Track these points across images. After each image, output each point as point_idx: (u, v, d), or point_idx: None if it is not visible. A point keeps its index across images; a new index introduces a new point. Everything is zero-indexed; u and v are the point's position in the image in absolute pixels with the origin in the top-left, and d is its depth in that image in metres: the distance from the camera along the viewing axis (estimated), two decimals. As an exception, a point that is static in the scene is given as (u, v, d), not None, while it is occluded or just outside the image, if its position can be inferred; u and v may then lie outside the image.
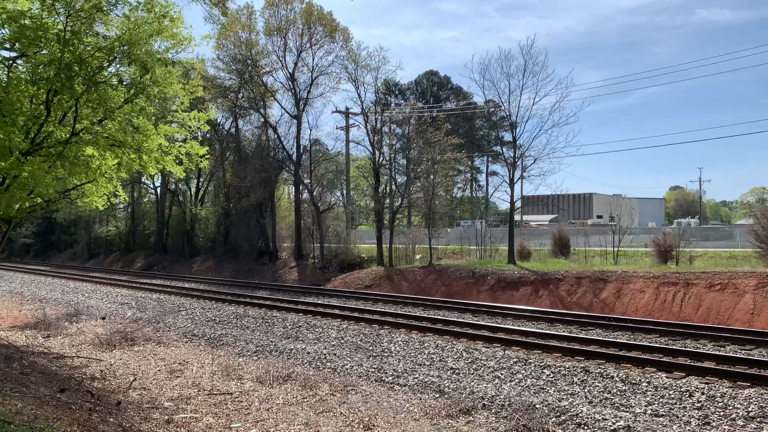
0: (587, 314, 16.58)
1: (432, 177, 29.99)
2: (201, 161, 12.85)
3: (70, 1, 9.61)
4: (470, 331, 13.42)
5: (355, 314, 16.37)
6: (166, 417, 7.92)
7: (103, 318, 17.48)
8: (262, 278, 31.30)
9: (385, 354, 11.76)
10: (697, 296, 17.46)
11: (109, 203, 13.30)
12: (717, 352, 11.09)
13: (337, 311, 17.16)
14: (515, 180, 26.23)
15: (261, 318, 16.16)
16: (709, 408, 7.91)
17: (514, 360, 10.62)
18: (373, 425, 7.73)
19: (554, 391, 9.02)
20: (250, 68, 35.02)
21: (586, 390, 8.94)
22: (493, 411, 8.31)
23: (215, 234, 42.26)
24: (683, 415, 7.75)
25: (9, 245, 53.80)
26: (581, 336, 12.83)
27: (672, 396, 8.40)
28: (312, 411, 8.35)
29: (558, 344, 11.76)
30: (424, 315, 16.39)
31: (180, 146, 12.43)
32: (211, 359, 11.83)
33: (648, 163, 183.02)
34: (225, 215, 40.87)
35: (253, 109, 38.22)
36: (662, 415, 7.81)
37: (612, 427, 7.45)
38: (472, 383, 9.61)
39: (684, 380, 9.09)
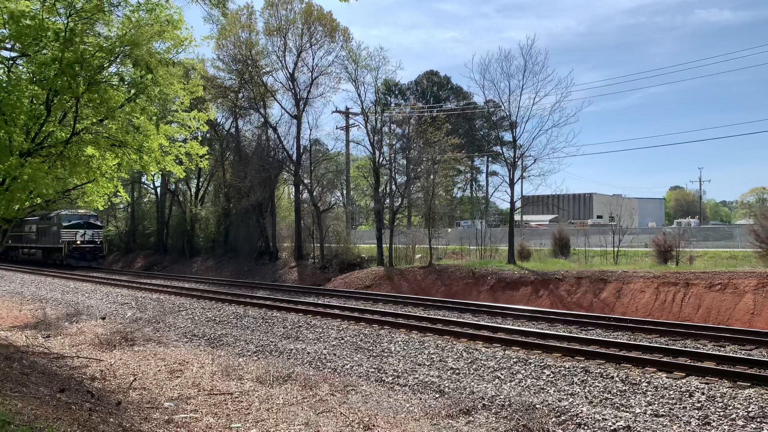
0: (587, 314, 16.58)
1: (432, 177, 29.99)
2: (201, 161, 12.87)
3: (71, 1, 9.62)
4: (470, 331, 13.42)
5: (355, 314, 16.37)
6: (166, 417, 7.93)
7: (103, 318, 17.48)
8: (262, 278, 31.30)
9: (385, 354, 11.76)
10: (697, 296, 17.47)
11: (109, 203, 13.32)
12: (717, 352, 11.09)
13: (337, 311, 17.16)
14: (515, 180, 26.25)
15: (261, 318, 16.16)
16: (709, 408, 7.91)
17: (514, 360, 10.61)
18: (373, 425, 7.73)
19: (554, 391, 9.02)
20: (250, 68, 35.02)
21: (586, 390, 8.94)
22: (493, 411, 8.31)
23: (215, 234, 42.26)
24: (683, 415, 7.75)
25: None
26: (581, 336, 12.83)
27: (672, 396, 8.40)
28: (312, 411, 8.35)
29: (558, 344, 11.76)
30: (424, 315, 16.38)
31: (180, 146, 12.45)
32: (211, 359, 11.83)
33: (648, 163, 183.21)
34: (225, 215, 40.87)
35: (253, 109, 38.23)
36: (662, 415, 7.81)
37: (612, 427, 7.45)
38: (472, 383, 9.60)
39: (684, 380, 9.09)
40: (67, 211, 38.93)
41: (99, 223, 42.01)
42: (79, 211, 39.19)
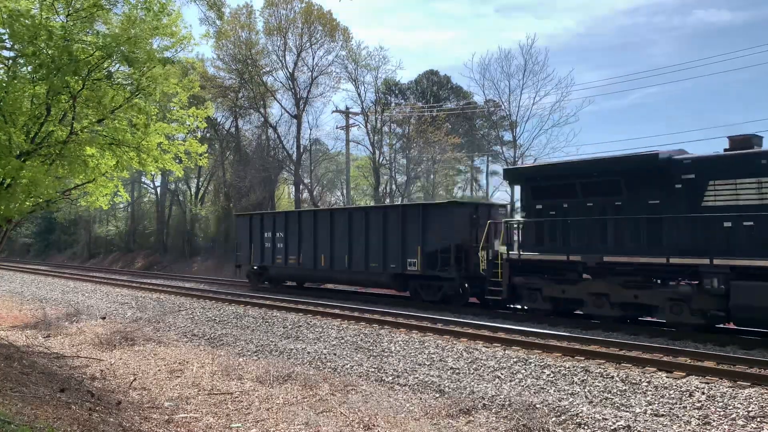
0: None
1: (432, 176, 30.03)
2: (200, 159, 12.82)
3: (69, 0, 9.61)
4: (470, 331, 13.41)
5: (355, 314, 16.36)
6: (166, 417, 7.93)
7: (103, 318, 17.48)
8: (262, 278, 31.22)
9: (385, 354, 11.76)
10: (697, 296, 17.41)
11: (112, 202, 13.33)
12: (717, 352, 11.08)
13: (337, 311, 17.15)
14: (515, 180, 26.23)
15: (261, 318, 16.15)
16: (709, 408, 7.91)
17: (515, 360, 10.61)
18: (374, 425, 7.73)
19: (554, 391, 9.01)
20: (249, 68, 35.03)
21: (586, 390, 8.94)
22: (493, 411, 8.31)
23: (215, 234, 42.28)
24: (683, 415, 7.74)
25: (9, 245, 53.66)
26: (581, 336, 12.82)
27: (672, 396, 8.40)
28: (312, 411, 8.35)
29: (558, 344, 11.75)
30: (424, 315, 16.37)
31: (179, 144, 12.42)
32: (211, 359, 11.83)
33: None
34: (225, 215, 40.90)
35: (253, 109, 38.26)
36: (662, 415, 7.80)
37: (612, 427, 7.44)
38: (473, 383, 9.60)
39: (684, 380, 9.09)
40: None
41: None
42: None
